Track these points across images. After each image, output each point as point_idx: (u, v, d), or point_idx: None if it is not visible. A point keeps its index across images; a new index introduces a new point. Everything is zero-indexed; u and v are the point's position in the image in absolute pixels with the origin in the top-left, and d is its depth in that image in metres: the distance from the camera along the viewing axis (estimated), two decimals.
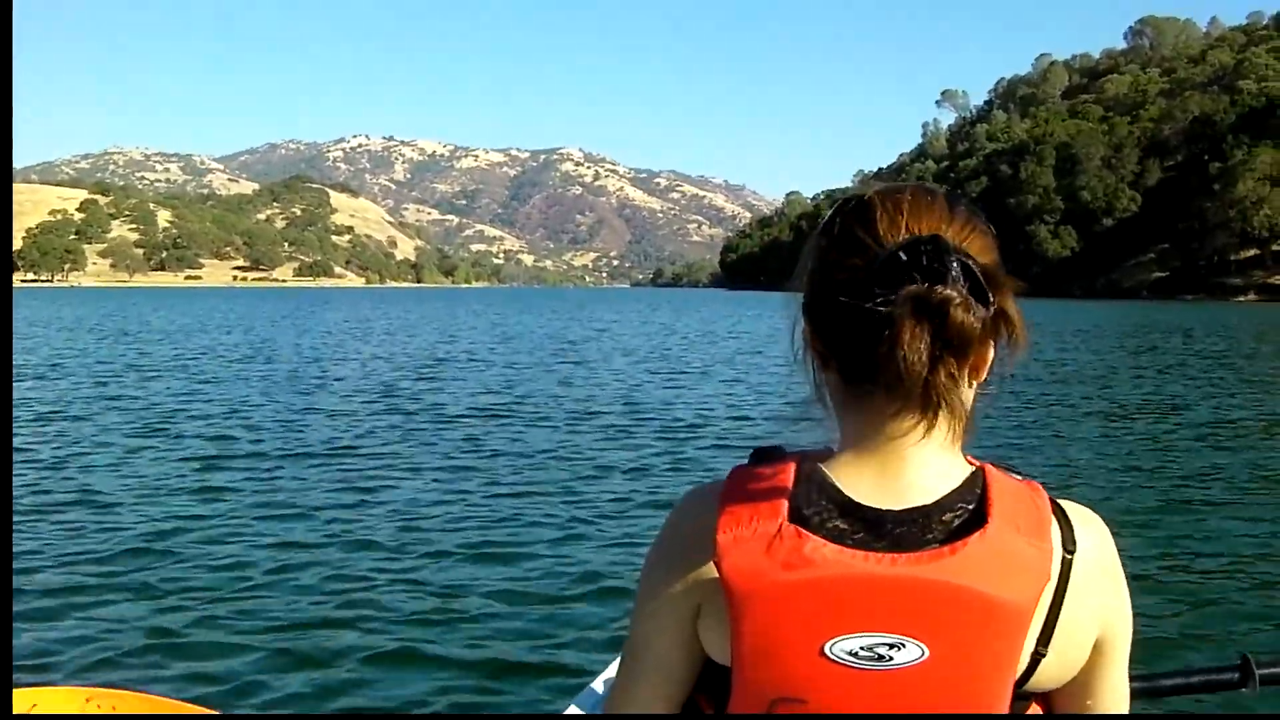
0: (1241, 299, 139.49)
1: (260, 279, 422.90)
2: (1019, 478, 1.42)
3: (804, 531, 1.32)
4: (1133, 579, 1.43)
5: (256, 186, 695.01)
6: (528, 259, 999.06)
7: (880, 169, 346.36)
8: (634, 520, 10.81)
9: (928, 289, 1.28)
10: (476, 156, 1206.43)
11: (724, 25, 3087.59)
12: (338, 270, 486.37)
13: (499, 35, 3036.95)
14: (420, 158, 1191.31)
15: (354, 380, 26.83)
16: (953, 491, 1.36)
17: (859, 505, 1.35)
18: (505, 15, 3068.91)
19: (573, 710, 3.54)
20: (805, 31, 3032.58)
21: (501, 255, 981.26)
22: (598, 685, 3.67)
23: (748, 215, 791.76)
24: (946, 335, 1.29)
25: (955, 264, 1.29)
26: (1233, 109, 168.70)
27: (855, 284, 1.33)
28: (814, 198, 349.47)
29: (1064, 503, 1.43)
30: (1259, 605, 7.95)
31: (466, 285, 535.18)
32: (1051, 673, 1.39)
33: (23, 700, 2.38)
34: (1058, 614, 1.35)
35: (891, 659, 1.30)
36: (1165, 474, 13.58)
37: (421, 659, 6.84)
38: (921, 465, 1.37)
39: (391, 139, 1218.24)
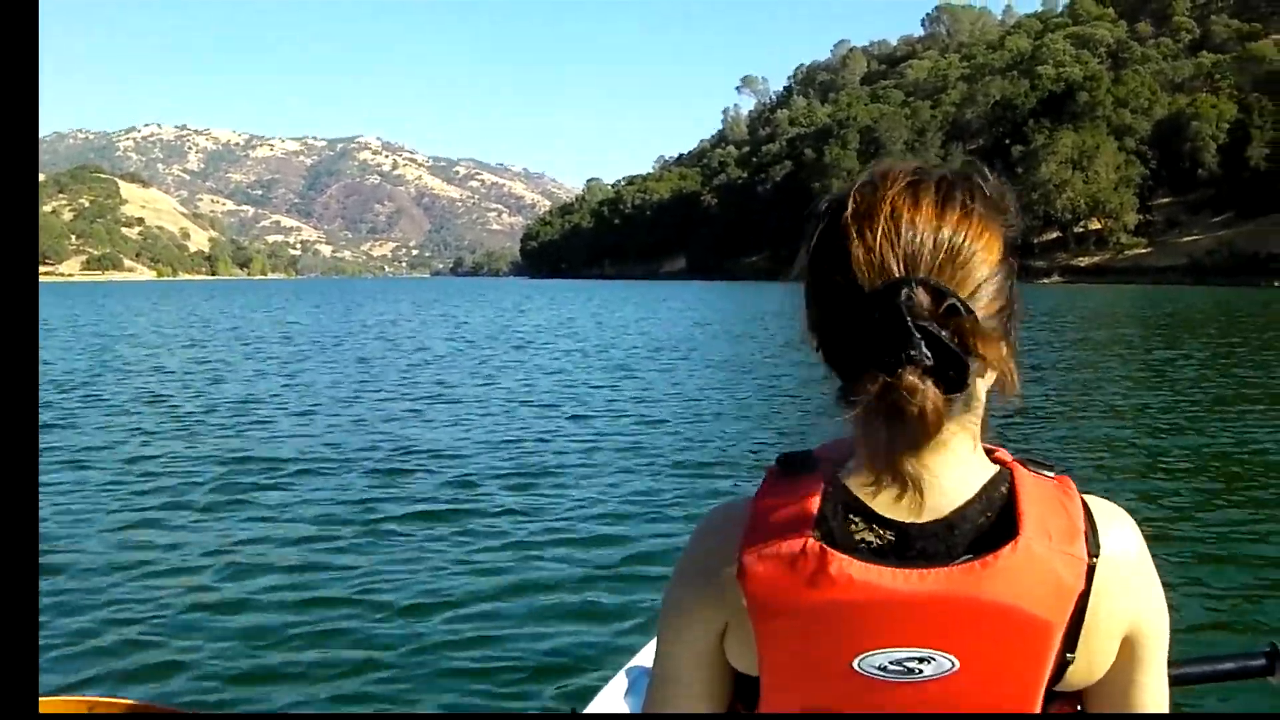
0: (1046, 281, 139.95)
1: (46, 274, 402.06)
2: (1049, 475, 1.38)
3: (829, 549, 1.28)
4: (1159, 568, 1.40)
5: (42, 177, 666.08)
6: (325, 249, 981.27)
7: (681, 154, 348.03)
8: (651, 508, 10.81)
9: (883, 386, 1.22)
10: (272, 146, 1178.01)
11: (520, 12, 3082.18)
12: (128, 263, 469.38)
13: (293, 20, 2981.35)
14: (215, 147, 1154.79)
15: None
16: (974, 497, 1.32)
17: (884, 519, 1.31)
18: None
19: (597, 706, 3.51)
20: (604, 17, 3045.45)
21: (299, 246, 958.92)
22: (620, 677, 3.67)
23: (548, 203, 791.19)
24: (912, 428, 1.23)
25: (919, 342, 1.20)
26: (1033, 94, 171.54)
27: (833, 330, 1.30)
28: (615, 184, 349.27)
29: (1091, 500, 1.38)
30: None
31: (263, 277, 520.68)
32: (1080, 675, 1.37)
33: None
34: (1081, 619, 1.31)
35: (922, 671, 1.28)
36: (1190, 461, 13.26)
37: (426, 660, 6.72)
38: (941, 475, 1.31)
39: (184, 128, 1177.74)
